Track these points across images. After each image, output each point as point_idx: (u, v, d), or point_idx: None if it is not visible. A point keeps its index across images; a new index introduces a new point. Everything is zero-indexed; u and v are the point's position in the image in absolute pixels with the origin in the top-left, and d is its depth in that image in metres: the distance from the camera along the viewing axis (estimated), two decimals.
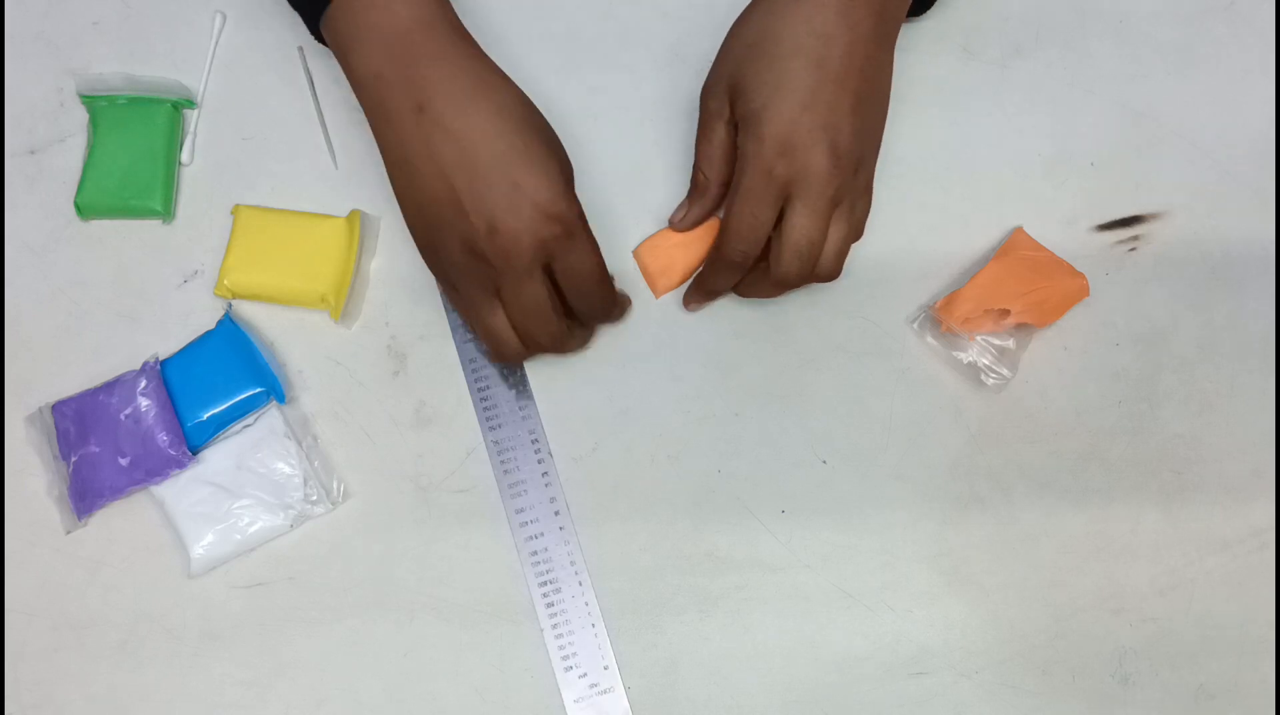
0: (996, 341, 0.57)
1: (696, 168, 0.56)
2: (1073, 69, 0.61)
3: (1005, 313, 0.56)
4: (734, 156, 0.53)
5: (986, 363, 0.57)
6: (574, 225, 0.50)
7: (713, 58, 0.54)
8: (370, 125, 0.52)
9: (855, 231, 0.53)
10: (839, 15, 0.50)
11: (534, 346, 0.53)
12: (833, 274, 0.53)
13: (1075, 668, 0.55)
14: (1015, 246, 0.57)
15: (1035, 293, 0.56)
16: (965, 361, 0.57)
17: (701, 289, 0.57)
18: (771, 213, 0.51)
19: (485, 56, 0.52)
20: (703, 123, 0.54)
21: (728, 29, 0.54)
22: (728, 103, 0.52)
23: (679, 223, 0.57)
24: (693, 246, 0.58)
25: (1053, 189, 0.60)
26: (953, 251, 0.59)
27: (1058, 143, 0.60)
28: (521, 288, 0.50)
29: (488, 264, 0.49)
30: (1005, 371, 0.56)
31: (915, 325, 0.58)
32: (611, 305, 0.55)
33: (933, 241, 0.59)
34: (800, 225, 0.51)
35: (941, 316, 0.57)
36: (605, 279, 0.53)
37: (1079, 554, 0.56)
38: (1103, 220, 0.59)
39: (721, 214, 0.57)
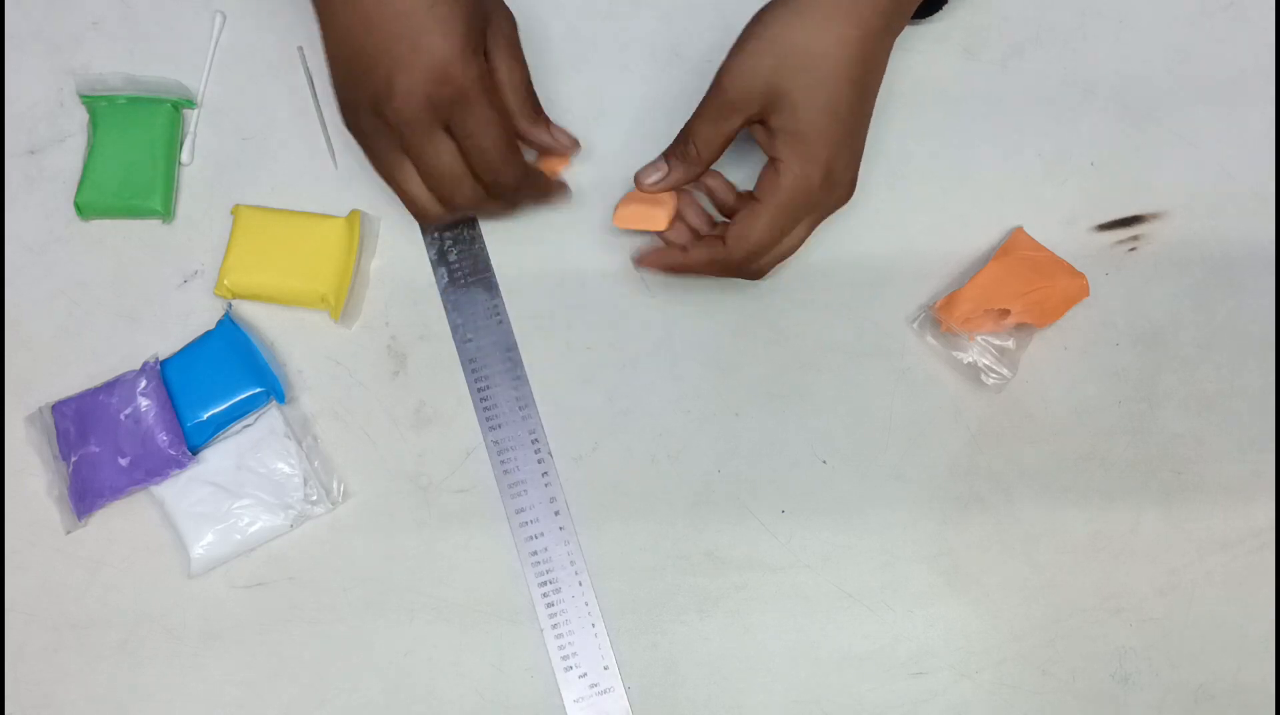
0: (996, 341, 0.57)
1: (689, 141, 0.54)
2: (1073, 69, 0.61)
3: (1005, 313, 0.56)
4: (728, 145, 0.53)
5: (986, 363, 0.57)
6: (467, 88, 0.50)
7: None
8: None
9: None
10: (876, 40, 0.51)
11: (450, 206, 0.54)
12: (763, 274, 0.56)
13: (1075, 668, 0.55)
14: (1015, 246, 0.57)
15: (1035, 293, 0.56)
16: (965, 361, 0.57)
17: (670, 264, 0.55)
18: (794, 228, 0.52)
19: None
20: (717, 107, 0.52)
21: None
22: (759, 104, 0.51)
23: (653, 184, 0.55)
24: (665, 206, 0.56)
25: (1053, 189, 0.60)
26: (953, 251, 0.59)
27: (1058, 143, 0.60)
28: (424, 148, 0.51)
29: (389, 123, 0.51)
30: (1005, 371, 0.56)
31: (915, 325, 0.58)
32: (518, 174, 0.54)
33: (933, 241, 0.59)
34: (796, 237, 0.53)
35: (941, 316, 0.57)
36: (506, 145, 0.52)
37: (1079, 554, 0.56)
38: (1103, 220, 0.59)
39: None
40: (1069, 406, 0.57)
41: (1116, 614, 0.55)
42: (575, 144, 0.58)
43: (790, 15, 0.51)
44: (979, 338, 0.57)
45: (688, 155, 0.54)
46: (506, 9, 0.55)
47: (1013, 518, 0.56)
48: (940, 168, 0.60)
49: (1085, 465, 0.57)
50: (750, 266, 0.54)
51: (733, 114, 0.52)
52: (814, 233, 0.55)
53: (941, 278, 0.59)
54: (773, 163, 0.51)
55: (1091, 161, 0.60)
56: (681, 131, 0.54)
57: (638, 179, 0.55)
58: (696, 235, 0.56)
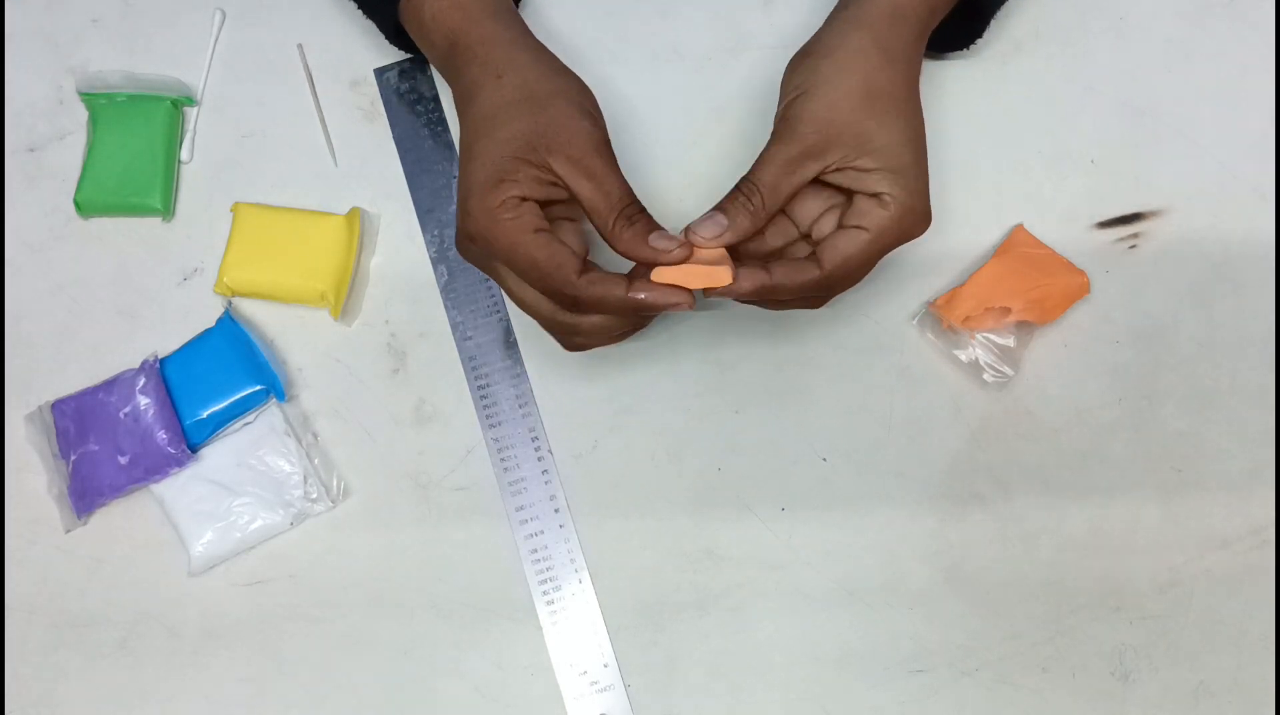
0: (997, 339, 0.57)
1: (755, 191, 0.49)
2: (1073, 66, 0.61)
3: (1006, 310, 0.56)
4: (795, 195, 0.50)
5: (987, 360, 0.57)
6: (485, 236, 0.48)
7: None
8: None
9: None
10: (918, 69, 0.52)
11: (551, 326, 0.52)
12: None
13: (1075, 665, 0.55)
14: (1016, 244, 0.58)
15: (1036, 290, 0.56)
16: (966, 359, 0.57)
17: (759, 286, 0.49)
18: None
19: (501, 42, 0.52)
20: (795, 156, 0.49)
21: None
22: (844, 151, 0.49)
23: (713, 239, 0.49)
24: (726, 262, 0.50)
25: (1053, 186, 0.60)
26: (953, 249, 0.59)
27: (1058, 140, 0.60)
28: (500, 284, 0.51)
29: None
30: (1006, 369, 0.56)
31: (916, 323, 0.58)
32: (577, 305, 0.49)
33: (933, 239, 0.57)
34: (874, 266, 0.51)
35: (942, 314, 0.57)
36: (544, 288, 0.49)
37: (1079, 551, 0.56)
38: (1103, 217, 0.59)
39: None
40: (1069, 404, 0.57)
41: (1116, 611, 0.55)
42: (684, 250, 0.49)
43: (852, 58, 0.50)
44: (979, 335, 0.57)
45: (753, 207, 0.49)
46: (580, 119, 0.50)
47: (1012, 515, 0.56)
48: (941, 165, 0.59)
49: (1085, 462, 0.57)
50: (831, 295, 0.51)
51: (812, 162, 0.49)
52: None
53: (942, 275, 0.59)
54: (874, 197, 0.49)
55: (1092, 159, 0.60)
56: (744, 181, 0.50)
57: (690, 233, 0.49)
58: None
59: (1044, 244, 0.58)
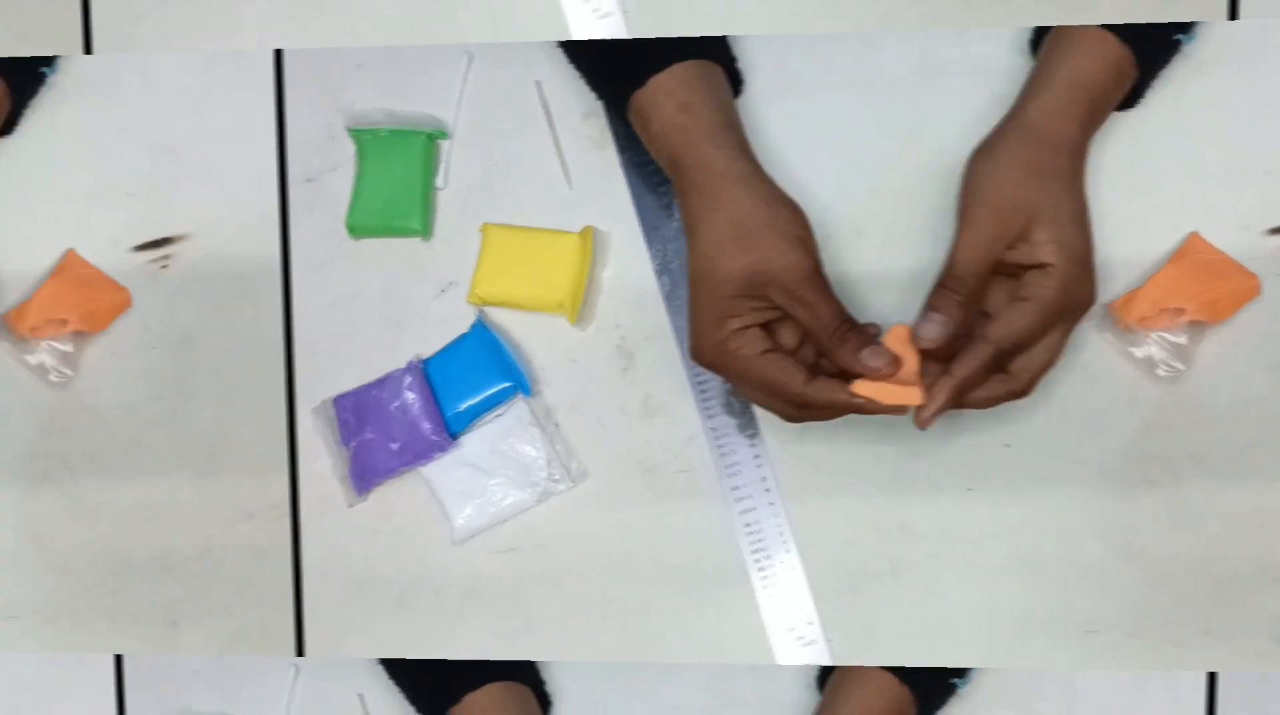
0: (1171, 337, 0.60)
1: (958, 276, 0.54)
2: (1249, 83, 0.62)
3: (1180, 311, 0.59)
4: (989, 274, 0.54)
5: (1161, 357, 0.60)
6: (714, 368, 0.56)
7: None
8: None
9: None
10: (1085, 157, 0.57)
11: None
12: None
13: (1235, 629, 0.60)
14: (1191, 250, 0.60)
15: (1208, 293, 0.59)
16: (1141, 355, 0.61)
17: (956, 400, 0.54)
18: (1054, 332, 0.54)
19: (720, 171, 0.56)
20: (988, 235, 0.54)
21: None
22: (1023, 223, 0.53)
23: (939, 336, 0.53)
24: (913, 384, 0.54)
25: (1229, 196, 0.61)
26: (1131, 255, 0.61)
27: (1234, 153, 0.61)
28: (735, 387, 0.58)
29: None
30: (1178, 365, 0.60)
31: (1096, 322, 0.61)
32: (798, 411, 0.55)
33: (1114, 245, 0.61)
34: (1056, 343, 0.54)
35: (1120, 315, 0.60)
36: (767, 394, 0.55)
37: (1242, 530, 0.60)
38: (1275, 224, 0.61)
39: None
40: (1237, 396, 0.61)
41: (1277, 582, 0.60)
42: (892, 367, 0.53)
43: (1014, 149, 0.56)
44: (1154, 334, 0.60)
45: (960, 297, 0.53)
46: (790, 251, 0.54)
47: (1181, 497, 0.61)
48: (1123, 177, 0.61)
49: (1251, 450, 0.61)
50: (1030, 378, 0.55)
51: (995, 240, 0.54)
52: None
53: (1120, 278, 0.61)
54: (1040, 267, 0.54)
55: (1267, 170, 0.61)
56: (943, 277, 0.54)
57: (920, 337, 0.53)
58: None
59: (1218, 250, 0.60)
